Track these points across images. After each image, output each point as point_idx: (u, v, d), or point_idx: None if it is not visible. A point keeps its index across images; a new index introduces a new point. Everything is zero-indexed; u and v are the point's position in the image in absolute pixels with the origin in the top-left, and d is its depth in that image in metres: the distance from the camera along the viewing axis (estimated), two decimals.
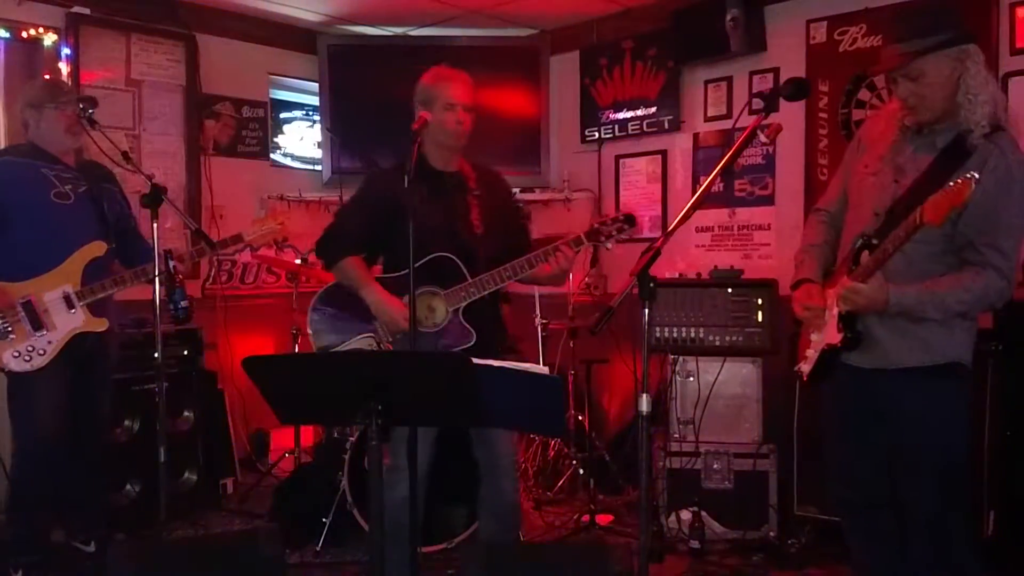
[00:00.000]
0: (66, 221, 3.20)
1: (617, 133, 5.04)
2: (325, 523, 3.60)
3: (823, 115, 4.22)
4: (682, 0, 4.54)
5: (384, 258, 2.88)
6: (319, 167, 5.37)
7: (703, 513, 3.66)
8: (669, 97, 4.80)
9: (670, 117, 4.80)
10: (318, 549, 3.58)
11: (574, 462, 4.48)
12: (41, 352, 3.11)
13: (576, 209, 5.18)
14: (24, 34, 4.23)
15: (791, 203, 4.34)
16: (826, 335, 2.39)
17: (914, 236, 2.12)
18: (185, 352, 4.26)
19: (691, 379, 3.85)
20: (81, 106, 3.10)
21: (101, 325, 3.25)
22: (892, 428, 2.35)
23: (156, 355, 2.97)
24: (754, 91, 4.43)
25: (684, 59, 4.68)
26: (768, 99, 2.28)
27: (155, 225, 2.95)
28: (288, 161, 5.43)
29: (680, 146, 4.82)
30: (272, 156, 5.29)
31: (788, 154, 4.36)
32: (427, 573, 3.34)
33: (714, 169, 2.14)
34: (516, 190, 3.54)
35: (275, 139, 5.34)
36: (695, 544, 3.61)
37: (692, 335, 3.89)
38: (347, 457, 3.54)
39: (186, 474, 4.16)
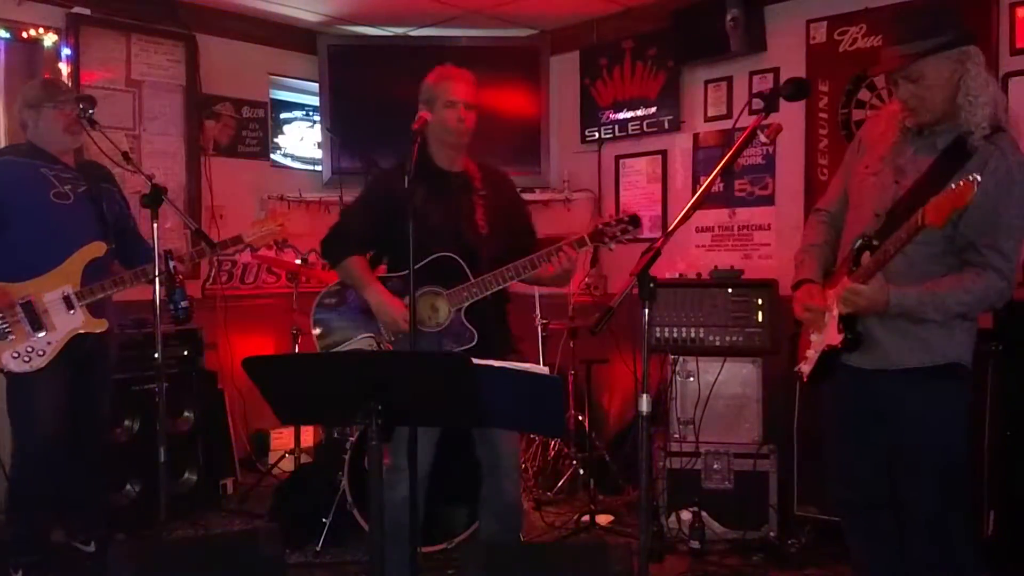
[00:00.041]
0: (66, 221, 3.20)
1: (617, 133, 5.04)
2: (325, 523, 3.60)
3: (823, 115, 4.22)
4: (682, 0, 4.54)
5: (388, 258, 2.88)
6: (319, 167, 5.37)
7: (703, 513, 3.66)
8: (669, 97, 4.80)
9: (670, 117, 4.80)
10: (318, 549, 3.58)
11: (574, 462, 4.48)
12: (40, 353, 3.11)
13: (576, 209, 5.18)
14: (24, 34, 4.23)
15: (791, 203, 4.34)
16: (826, 336, 2.39)
17: (915, 238, 2.12)
18: (185, 352, 4.26)
19: (691, 379, 3.85)
20: (81, 106, 3.10)
21: (101, 326, 3.25)
22: (892, 428, 2.35)
23: (156, 355, 2.97)
24: (754, 91, 4.43)
25: (684, 59, 4.68)
26: (768, 99, 2.28)
27: (155, 225, 2.95)
28: (288, 161, 5.43)
29: (680, 146, 4.82)
30: (272, 156, 5.29)
31: (788, 154, 4.36)
32: (427, 573, 3.34)
33: (714, 169, 2.14)
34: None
35: (275, 139, 5.34)
36: (695, 544, 3.61)
37: (692, 335, 3.89)
38: (347, 457, 3.54)
39: (186, 474, 4.16)
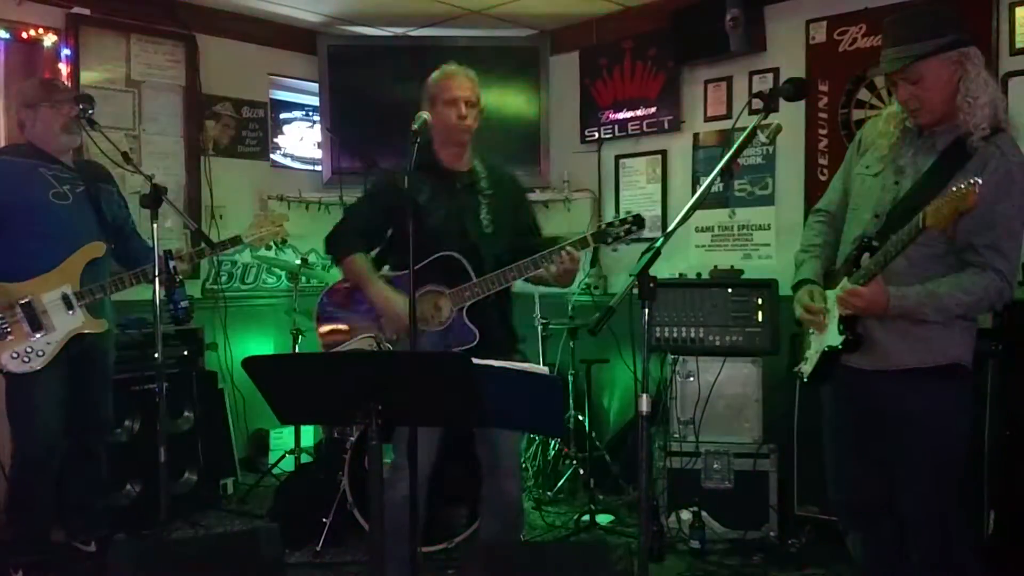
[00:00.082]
0: (65, 221, 3.20)
1: (617, 133, 5.04)
2: (325, 523, 3.60)
3: (823, 115, 4.22)
4: (682, 0, 4.54)
5: (391, 256, 2.88)
6: (319, 167, 5.36)
7: (703, 513, 3.66)
8: (669, 97, 4.80)
9: (670, 117, 4.80)
10: (318, 549, 3.58)
11: (574, 462, 4.48)
12: (40, 353, 3.11)
13: (576, 209, 5.18)
14: (24, 35, 4.23)
15: (791, 203, 4.34)
16: (827, 337, 2.39)
17: (916, 240, 2.12)
18: (185, 352, 4.27)
19: (691, 379, 3.85)
20: (81, 106, 3.10)
21: (100, 326, 3.25)
22: (893, 429, 2.35)
23: (156, 355, 2.97)
24: (754, 91, 4.43)
25: (684, 59, 4.68)
26: (768, 99, 2.28)
27: (155, 225, 2.94)
28: (288, 161, 5.43)
29: (680, 146, 4.82)
30: (272, 156, 5.29)
31: (788, 154, 4.36)
32: (427, 573, 3.34)
33: (714, 169, 2.14)
34: None
35: (275, 139, 5.34)
36: (695, 544, 3.61)
37: (692, 335, 3.89)
38: (347, 457, 3.55)
39: (186, 474, 4.16)
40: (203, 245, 3.17)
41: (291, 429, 4.60)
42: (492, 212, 2.78)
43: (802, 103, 4.07)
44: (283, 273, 5.02)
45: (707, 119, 4.71)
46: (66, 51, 4.32)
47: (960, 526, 2.38)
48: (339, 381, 1.89)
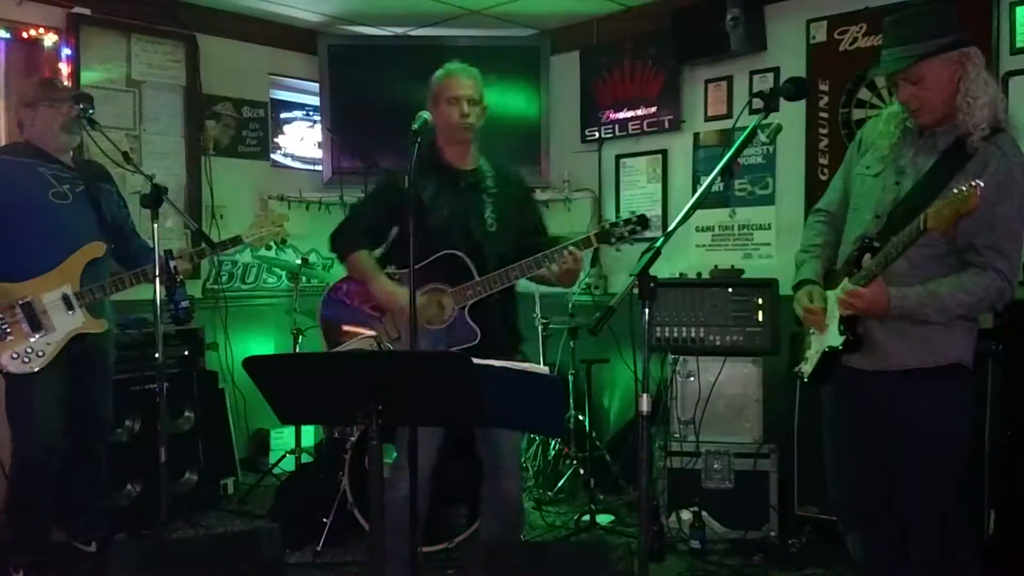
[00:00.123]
0: (65, 221, 3.20)
1: (617, 133, 5.03)
2: (325, 523, 3.60)
3: (823, 115, 4.22)
4: (682, 0, 4.54)
5: (396, 255, 2.89)
6: (319, 167, 5.36)
7: (703, 513, 3.66)
8: (669, 97, 4.80)
9: (670, 117, 4.80)
10: (318, 549, 3.58)
11: (574, 462, 4.48)
12: (40, 354, 3.11)
13: (576, 209, 5.19)
14: (25, 34, 4.23)
15: (791, 203, 4.34)
16: (827, 337, 2.39)
17: (917, 242, 2.12)
18: (186, 352, 4.27)
19: (691, 379, 3.85)
20: (81, 106, 3.10)
21: (100, 326, 3.25)
22: (893, 429, 2.35)
23: (157, 355, 2.97)
24: (754, 91, 4.43)
25: (684, 59, 4.68)
26: (768, 99, 2.28)
27: (156, 225, 2.95)
28: (288, 161, 5.44)
29: (680, 146, 4.82)
30: (272, 156, 5.29)
31: (788, 154, 4.35)
32: (428, 573, 3.34)
33: (715, 169, 2.14)
34: None
35: (275, 139, 5.34)
36: (695, 544, 3.61)
37: (692, 335, 3.89)
38: (347, 457, 3.55)
39: (187, 474, 4.16)
40: (203, 245, 3.17)
41: (291, 429, 4.60)
42: (496, 211, 2.78)
43: (802, 103, 4.07)
44: (283, 273, 5.02)
45: (707, 119, 4.71)
46: (67, 51, 4.32)
47: (960, 526, 2.37)
48: (339, 381, 1.90)
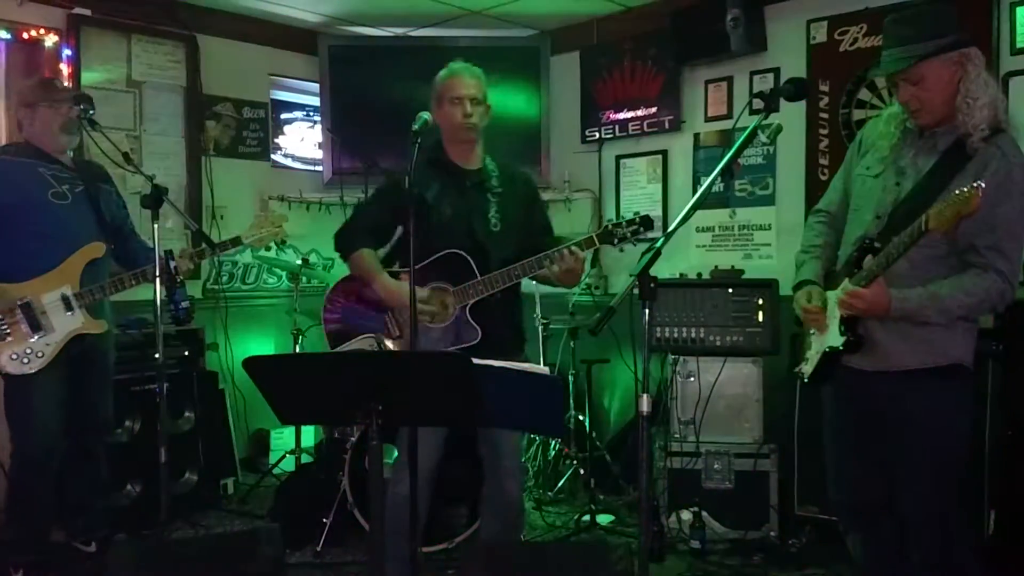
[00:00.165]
0: (64, 221, 3.20)
1: (617, 133, 5.04)
2: (325, 523, 3.60)
3: (824, 115, 4.22)
4: (682, 0, 4.54)
5: (401, 254, 2.89)
6: (319, 168, 5.37)
7: (704, 513, 3.66)
8: (669, 97, 4.80)
9: (670, 117, 4.80)
10: (318, 549, 3.58)
11: (574, 462, 4.48)
12: (39, 354, 3.10)
13: (577, 209, 5.19)
14: (25, 35, 4.23)
15: (792, 203, 4.34)
16: (827, 337, 2.39)
17: (918, 243, 2.12)
18: (186, 352, 4.27)
19: (692, 379, 3.85)
20: (81, 107, 3.10)
21: (100, 327, 3.25)
22: (893, 430, 2.35)
23: (157, 355, 2.97)
24: (755, 91, 4.43)
25: (684, 59, 4.68)
26: (768, 99, 2.28)
27: (156, 226, 2.95)
28: (289, 162, 5.44)
29: (681, 146, 4.82)
30: (273, 157, 5.29)
31: (789, 154, 4.35)
32: (427, 573, 3.34)
33: (715, 169, 2.14)
34: None
35: (276, 140, 5.34)
36: (695, 544, 3.61)
37: (693, 335, 3.89)
38: (347, 457, 3.55)
39: (186, 474, 4.17)
40: (203, 246, 3.17)
41: (291, 429, 4.60)
42: (501, 211, 2.79)
43: (803, 103, 4.07)
44: (284, 273, 5.02)
45: (708, 119, 4.71)
46: (67, 51, 4.33)
47: (960, 526, 2.37)
48: (339, 381, 1.90)
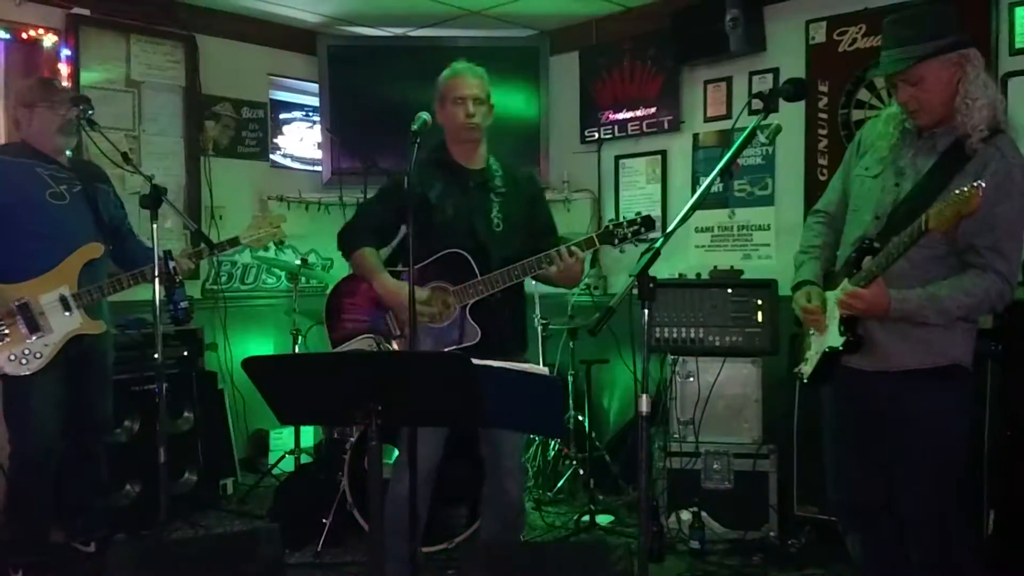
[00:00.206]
0: (62, 221, 3.20)
1: (617, 133, 5.03)
2: (325, 523, 3.60)
3: (823, 115, 4.22)
4: (682, 0, 4.54)
5: (404, 254, 2.90)
6: (319, 168, 5.36)
7: (703, 513, 3.66)
8: (669, 97, 4.80)
9: (670, 117, 4.80)
10: (318, 549, 3.58)
11: (574, 462, 4.48)
12: (37, 355, 3.10)
13: (576, 210, 5.19)
14: (24, 35, 4.23)
15: (791, 203, 4.34)
16: (827, 338, 2.39)
17: (918, 243, 2.12)
18: (185, 352, 4.27)
19: (691, 379, 3.85)
20: (81, 107, 3.10)
21: (98, 328, 3.25)
22: (893, 430, 2.35)
23: (156, 355, 2.97)
24: (754, 91, 4.43)
25: (684, 59, 4.68)
26: (768, 99, 2.28)
27: (155, 226, 2.95)
28: (288, 162, 5.43)
29: (680, 146, 4.82)
30: (272, 157, 5.29)
31: (788, 154, 4.36)
32: (427, 573, 3.34)
33: (714, 169, 2.14)
34: None
35: (275, 140, 5.34)
36: (695, 544, 3.61)
37: (692, 335, 3.89)
38: (347, 457, 3.55)
39: (186, 474, 4.16)
40: (202, 246, 3.17)
41: (291, 429, 4.60)
42: (504, 211, 2.79)
43: (802, 103, 4.07)
44: (283, 273, 5.02)
45: (707, 119, 4.71)
46: (66, 51, 4.32)
47: (960, 526, 2.37)
48: (339, 381, 1.89)
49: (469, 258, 2.70)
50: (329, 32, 5.24)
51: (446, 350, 2.69)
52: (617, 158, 5.08)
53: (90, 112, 3.08)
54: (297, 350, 4.39)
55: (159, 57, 4.69)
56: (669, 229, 2.07)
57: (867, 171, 2.42)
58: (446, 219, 2.74)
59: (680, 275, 4.24)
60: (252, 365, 1.85)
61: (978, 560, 2.47)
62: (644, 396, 1.97)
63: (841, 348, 2.33)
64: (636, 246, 2.62)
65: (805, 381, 2.50)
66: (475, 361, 1.84)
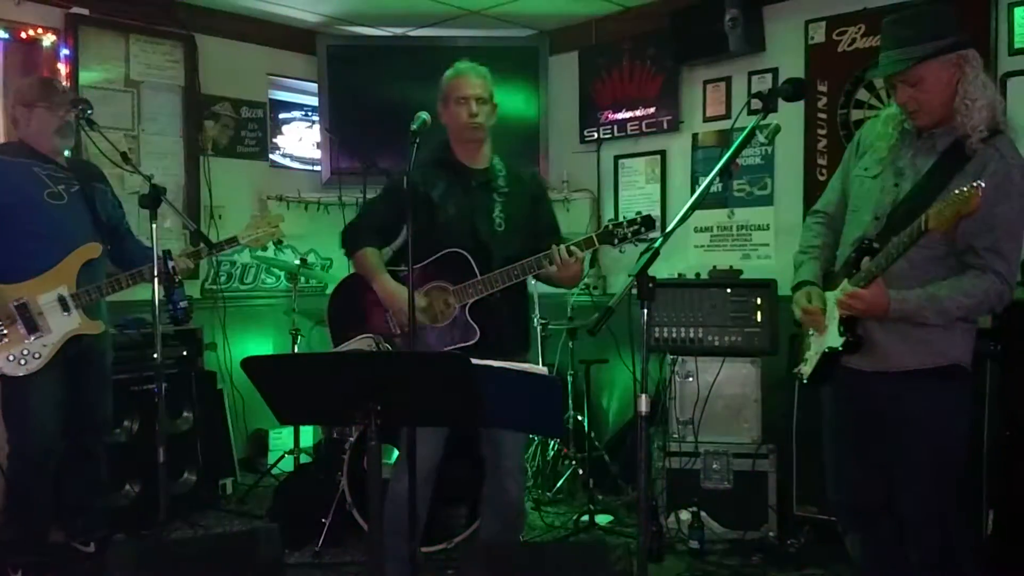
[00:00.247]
0: (60, 221, 3.19)
1: (616, 133, 5.04)
2: (324, 523, 3.60)
3: (822, 115, 4.22)
4: (681, 0, 4.54)
5: (406, 252, 2.90)
6: (318, 168, 5.36)
7: (702, 513, 3.66)
8: (668, 97, 4.80)
9: (669, 117, 4.80)
10: (317, 549, 3.58)
11: (573, 462, 4.48)
12: (36, 356, 3.10)
13: (575, 209, 5.19)
14: (23, 35, 4.23)
15: (790, 203, 4.34)
16: (827, 338, 2.39)
17: (917, 243, 2.12)
18: (184, 352, 4.27)
19: (690, 379, 3.85)
20: (80, 107, 3.10)
21: (97, 328, 3.25)
22: (892, 430, 2.35)
23: (155, 355, 2.97)
24: (753, 91, 4.43)
25: (683, 59, 4.68)
26: (767, 99, 2.28)
27: (154, 226, 2.94)
28: (287, 162, 5.43)
29: (679, 146, 4.82)
30: (271, 157, 5.29)
31: (787, 154, 4.36)
32: (427, 573, 3.34)
33: (713, 169, 2.14)
34: None
35: (274, 140, 5.34)
36: (694, 544, 3.61)
37: (691, 335, 3.89)
38: (346, 457, 3.55)
39: (185, 474, 4.16)
40: (201, 245, 3.16)
41: (290, 429, 4.60)
42: (506, 210, 2.79)
43: (801, 103, 4.07)
44: (282, 273, 5.02)
45: (706, 119, 4.71)
46: (65, 51, 4.32)
47: (959, 526, 2.37)
48: (338, 381, 1.89)
49: (469, 258, 2.71)
50: (328, 32, 5.24)
51: (445, 349, 2.69)
52: (616, 158, 5.08)
53: (89, 112, 3.08)
54: (296, 350, 4.39)
55: (158, 57, 4.69)
56: (668, 229, 2.07)
57: (866, 172, 2.42)
58: (448, 218, 2.75)
59: (679, 275, 4.24)
60: (251, 365, 1.85)
61: (978, 560, 2.47)
62: (643, 396, 1.97)
63: (841, 348, 2.33)
64: (635, 246, 2.62)
65: (805, 382, 2.50)
66: (475, 361, 1.84)
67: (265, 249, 3.51)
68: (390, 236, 2.90)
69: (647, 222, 2.62)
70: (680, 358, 3.89)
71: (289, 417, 2.05)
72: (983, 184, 2.00)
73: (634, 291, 2.00)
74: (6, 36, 4.19)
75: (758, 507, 3.71)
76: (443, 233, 2.72)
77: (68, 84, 4.20)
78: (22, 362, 3.08)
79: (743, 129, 2.19)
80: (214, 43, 4.89)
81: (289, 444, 4.57)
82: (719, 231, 4.64)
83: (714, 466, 3.77)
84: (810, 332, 2.49)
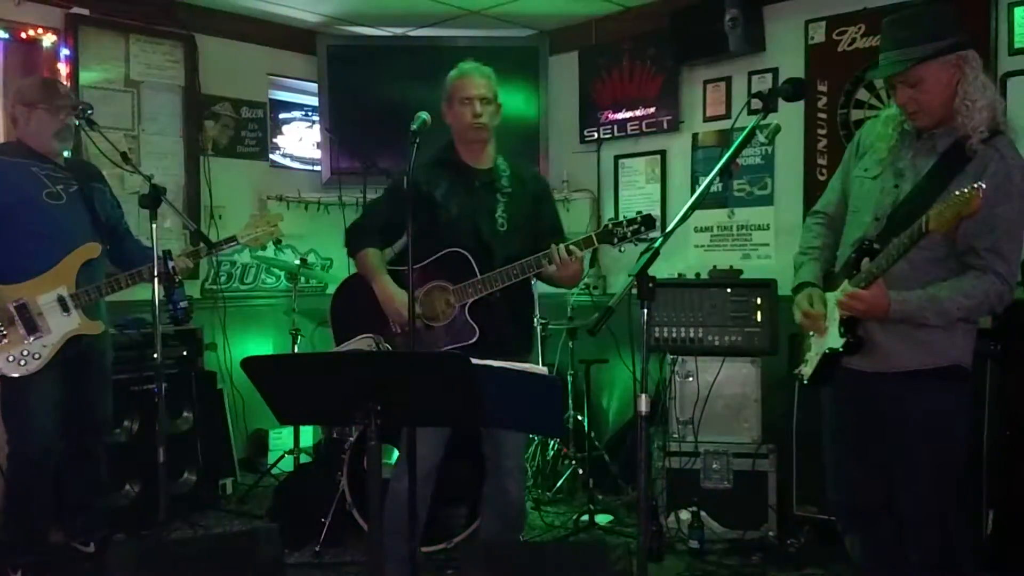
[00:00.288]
0: (59, 221, 3.19)
1: (616, 133, 5.03)
2: (324, 523, 3.60)
3: (822, 115, 4.22)
4: (681, 0, 4.54)
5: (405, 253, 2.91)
6: (318, 168, 5.36)
7: (702, 513, 3.66)
8: (668, 97, 4.80)
9: (669, 117, 4.80)
10: (317, 549, 3.58)
11: (573, 462, 4.48)
12: (36, 356, 3.09)
13: (575, 209, 5.18)
14: (23, 35, 4.23)
15: (790, 203, 4.34)
16: (827, 339, 2.39)
17: (918, 244, 2.12)
18: (184, 352, 4.27)
19: (690, 379, 3.85)
20: (80, 107, 3.09)
21: (96, 328, 3.24)
22: (893, 431, 2.35)
23: (155, 355, 2.97)
24: (753, 91, 4.43)
25: (683, 59, 4.68)
26: (767, 99, 2.28)
27: (154, 226, 2.94)
28: (287, 162, 5.43)
29: (679, 146, 4.82)
30: (271, 157, 5.29)
31: (787, 154, 4.36)
32: (427, 573, 3.34)
33: (713, 169, 2.14)
34: None
35: (274, 140, 5.34)
36: (694, 544, 3.61)
37: (691, 335, 3.89)
38: (346, 457, 3.55)
39: (185, 474, 4.16)
40: (200, 245, 3.16)
41: (290, 429, 4.60)
42: (509, 210, 2.80)
43: (801, 103, 4.07)
44: (282, 273, 5.02)
45: (706, 119, 4.71)
46: (65, 51, 4.32)
47: (959, 526, 2.37)
48: (338, 381, 1.89)
49: (469, 257, 2.71)
50: (328, 32, 5.24)
51: (444, 349, 2.69)
52: (616, 158, 5.08)
53: (89, 112, 3.08)
54: (296, 350, 4.39)
55: (158, 57, 4.69)
56: (668, 229, 2.07)
57: (866, 172, 2.42)
58: (451, 218, 2.75)
59: (679, 275, 4.24)
60: (251, 365, 1.85)
61: (978, 560, 2.47)
62: (643, 396, 1.97)
63: (841, 349, 2.33)
64: (636, 245, 2.62)
65: (805, 382, 2.50)
66: (474, 361, 1.84)
67: (265, 249, 3.52)
68: (392, 236, 2.90)
69: (647, 221, 2.62)
70: (680, 358, 3.89)
71: (289, 417, 2.05)
72: (984, 185, 1.99)
73: (634, 291, 2.00)
74: (6, 36, 4.19)
75: (758, 507, 3.71)
76: (445, 233, 2.72)
77: (68, 84, 4.19)
78: (22, 363, 3.08)
79: (743, 129, 2.19)
80: (214, 43, 4.89)
81: (289, 444, 4.57)
82: (719, 231, 4.64)
83: (714, 466, 3.77)
84: (811, 333, 2.49)
